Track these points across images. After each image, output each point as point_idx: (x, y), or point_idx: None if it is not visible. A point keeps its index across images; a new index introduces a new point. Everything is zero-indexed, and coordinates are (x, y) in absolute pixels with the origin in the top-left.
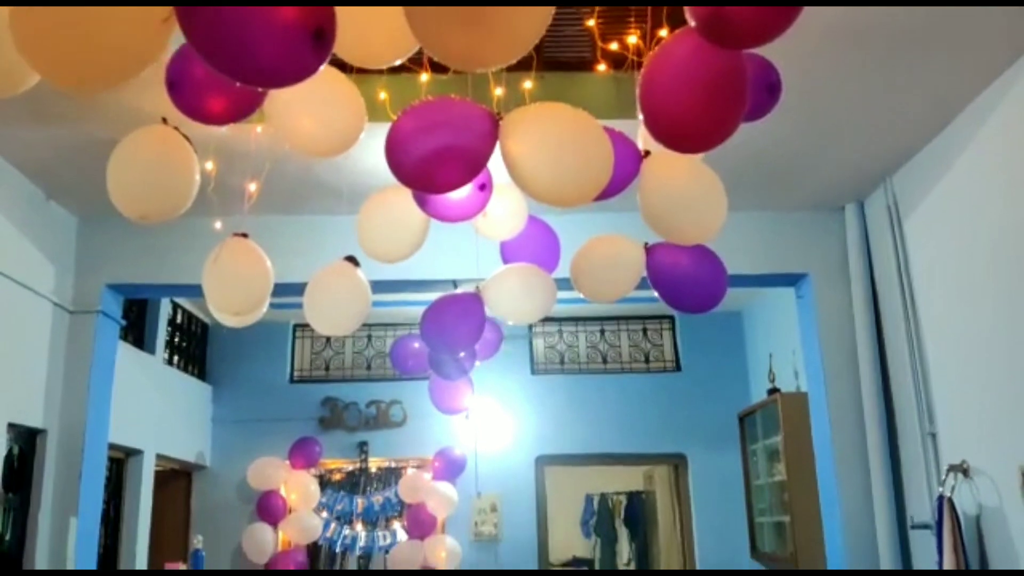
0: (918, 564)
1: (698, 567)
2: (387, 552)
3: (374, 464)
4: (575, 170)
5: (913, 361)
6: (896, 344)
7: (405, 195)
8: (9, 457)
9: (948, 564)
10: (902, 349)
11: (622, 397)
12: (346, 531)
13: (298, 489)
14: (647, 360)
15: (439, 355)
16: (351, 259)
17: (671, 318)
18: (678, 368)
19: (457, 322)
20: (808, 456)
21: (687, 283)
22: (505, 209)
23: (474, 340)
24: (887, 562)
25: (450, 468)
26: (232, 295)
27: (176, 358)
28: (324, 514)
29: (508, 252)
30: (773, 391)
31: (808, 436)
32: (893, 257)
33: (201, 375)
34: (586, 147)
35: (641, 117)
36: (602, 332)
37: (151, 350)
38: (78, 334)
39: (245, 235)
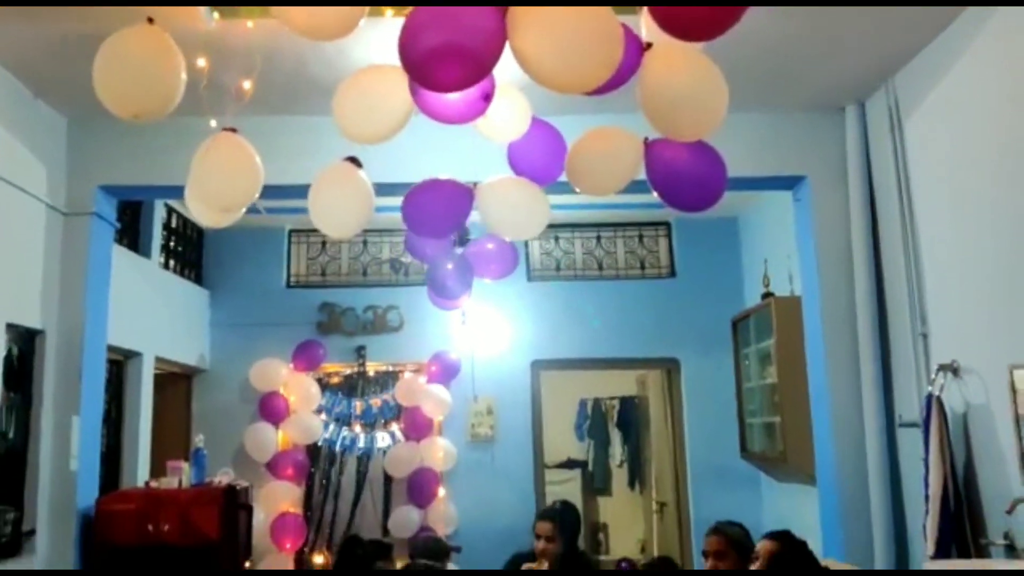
0: (905, 461)
1: (689, 468)
2: (385, 453)
3: (372, 368)
4: (585, 49)
5: (908, 263)
6: (891, 246)
7: (386, 74)
8: (9, 357)
9: (934, 460)
10: (897, 251)
11: (617, 303)
12: (345, 432)
13: (299, 391)
14: (642, 266)
15: (416, 233)
16: (353, 160)
17: (667, 224)
18: (673, 274)
19: (441, 205)
20: (799, 359)
21: (686, 179)
22: (509, 110)
23: (452, 228)
24: (874, 459)
25: (446, 372)
26: (220, 190)
27: (172, 263)
28: (323, 416)
29: (514, 155)
30: (767, 296)
31: (800, 339)
32: (892, 159)
33: (198, 280)
34: (596, 24)
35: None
36: (598, 239)
37: (147, 254)
38: (73, 236)
39: (234, 130)
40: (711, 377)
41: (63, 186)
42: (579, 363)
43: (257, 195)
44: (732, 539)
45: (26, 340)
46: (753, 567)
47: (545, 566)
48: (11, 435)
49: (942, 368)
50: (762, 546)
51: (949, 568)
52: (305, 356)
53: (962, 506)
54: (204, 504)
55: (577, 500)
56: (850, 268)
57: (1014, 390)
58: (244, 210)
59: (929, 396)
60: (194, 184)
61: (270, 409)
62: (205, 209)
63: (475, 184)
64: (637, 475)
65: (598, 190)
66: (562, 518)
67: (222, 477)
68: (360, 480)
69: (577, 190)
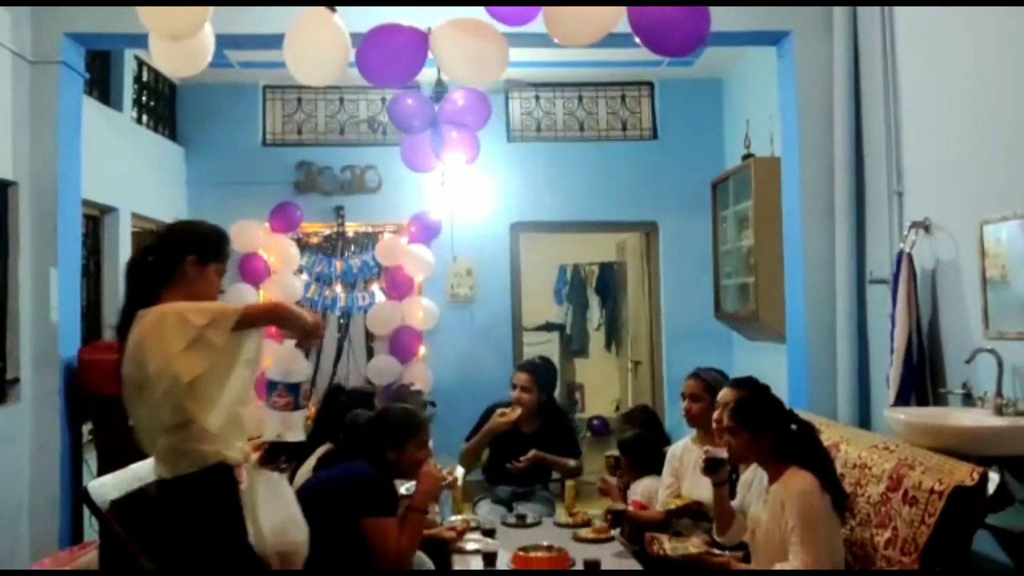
0: (872, 317)
1: (664, 329)
2: (366, 312)
3: (351, 228)
4: None
5: (888, 121)
6: (872, 105)
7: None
8: None
9: (900, 315)
10: (878, 109)
11: (598, 165)
12: (326, 292)
13: (278, 252)
14: (624, 128)
15: (371, 80)
16: (329, 4)
17: (650, 84)
18: (655, 136)
19: (392, 51)
20: (776, 220)
21: (669, 21)
22: None
23: (407, 76)
24: (843, 315)
25: (425, 232)
26: (170, 13)
27: (145, 117)
28: (304, 276)
29: None
30: (747, 157)
31: (778, 201)
32: (878, 14)
33: (172, 136)
34: None
35: None
36: (580, 99)
37: (118, 107)
38: (41, 86)
39: None
40: (689, 240)
41: (28, 33)
42: (559, 226)
43: (206, 20)
44: (709, 383)
45: None
46: (715, 415)
47: (517, 413)
48: None
49: (914, 225)
50: (723, 395)
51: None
52: (282, 217)
53: (924, 358)
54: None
55: (556, 361)
56: (831, 126)
57: (982, 245)
58: (210, 62)
59: (900, 253)
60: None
61: (250, 270)
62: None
63: (429, 29)
64: (613, 337)
65: (576, 39)
66: (539, 371)
67: None
68: (342, 338)
69: (555, 39)
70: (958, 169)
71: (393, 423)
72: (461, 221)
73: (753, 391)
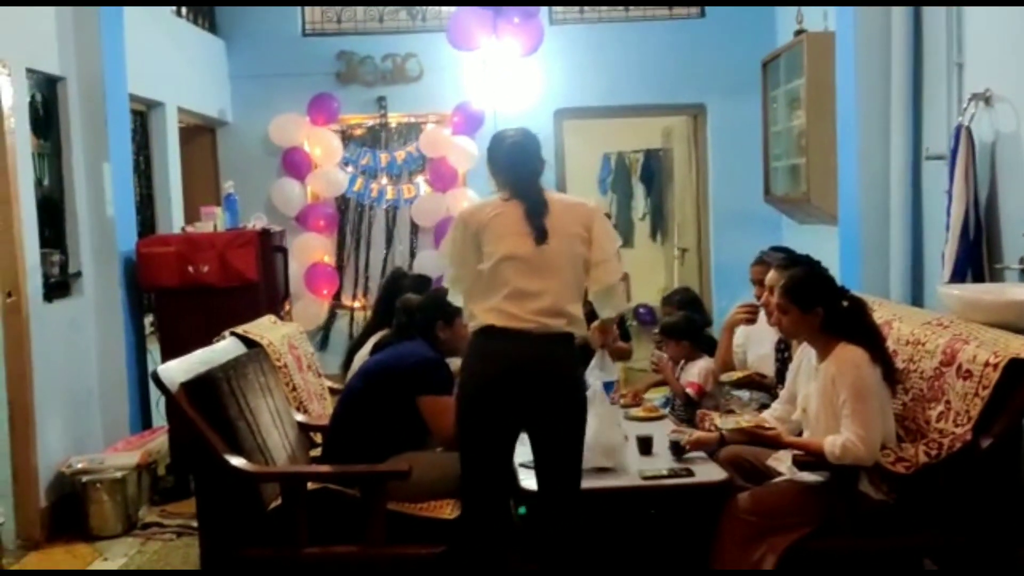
0: (928, 194)
1: (711, 215)
2: (411, 203)
3: (393, 120)
4: None
5: None
6: None
7: None
8: (33, 104)
9: (957, 192)
10: None
11: (644, 46)
12: (372, 185)
13: (321, 144)
14: (670, 5)
15: None
16: None
17: None
18: (702, 14)
19: None
20: (829, 99)
21: None
22: None
23: None
24: (898, 193)
25: (469, 123)
26: None
27: (184, 10)
28: (349, 169)
29: None
30: (799, 33)
31: (831, 78)
32: None
33: (212, 29)
34: None
35: None
36: None
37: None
38: None
39: None
40: (738, 122)
41: None
42: (604, 111)
43: None
44: (778, 267)
45: (47, 87)
46: (763, 298)
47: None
48: (46, 182)
49: (974, 97)
50: (771, 277)
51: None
52: (320, 108)
53: (981, 233)
54: (240, 246)
55: None
56: None
57: None
58: None
59: (959, 127)
60: None
61: (293, 164)
62: None
63: None
64: (659, 226)
65: None
66: None
67: (256, 222)
68: (389, 231)
69: None
70: (1022, 38)
71: (442, 302)
72: (504, 110)
73: (806, 267)
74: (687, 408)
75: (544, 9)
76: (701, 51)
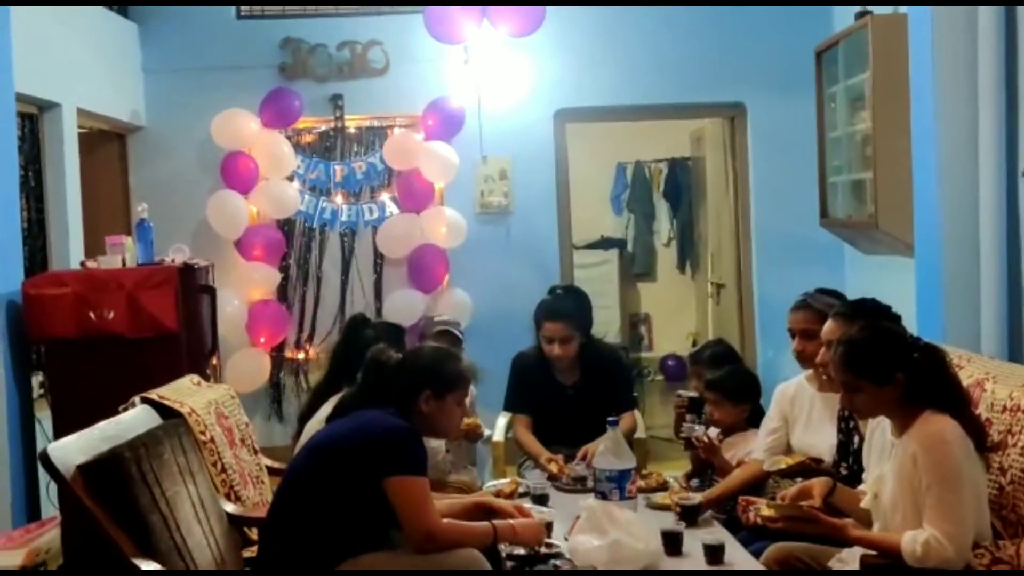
0: None
1: (753, 241)
2: (375, 227)
3: (352, 123)
4: None
5: None
6: None
7: None
8: None
9: None
10: None
11: (666, 29)
12: (324, 203)
13: (268, 152)
14: None
15: None
16: None
17: None
18: None
19: None
20: (901, 97)
21: None
22: None
23: None
24: (989, 218)
25: (447, 125)
26: None
27: None
28: (295, 184)
29: None
30: (863, 15)
31: (903, 71)
32: None
33: (122, 10)
34: None
35: None
36: None
37: None
38: None
39: None
40: (786, 126)
41: None
42: (617, 112)
43: None
44: (824, 314)
45: None
46: (819, 357)
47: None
48: None
49: None
50: (828, 328)
51: None
52: (276, 107)
53: None
54: (156, 285)
55: (613, 287)
56: None
57: None
58: None
59: None
60: None
61: (235, 174)
62: None
63: None
64: (688, 255)
65: None
66: (574, 309)
67: (176, 255)
68: (346, 261)
69: None
70: None
71: (434, 369)
72: (491, 109)
73: (868, 323)
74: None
75: None
76: (738, 35)
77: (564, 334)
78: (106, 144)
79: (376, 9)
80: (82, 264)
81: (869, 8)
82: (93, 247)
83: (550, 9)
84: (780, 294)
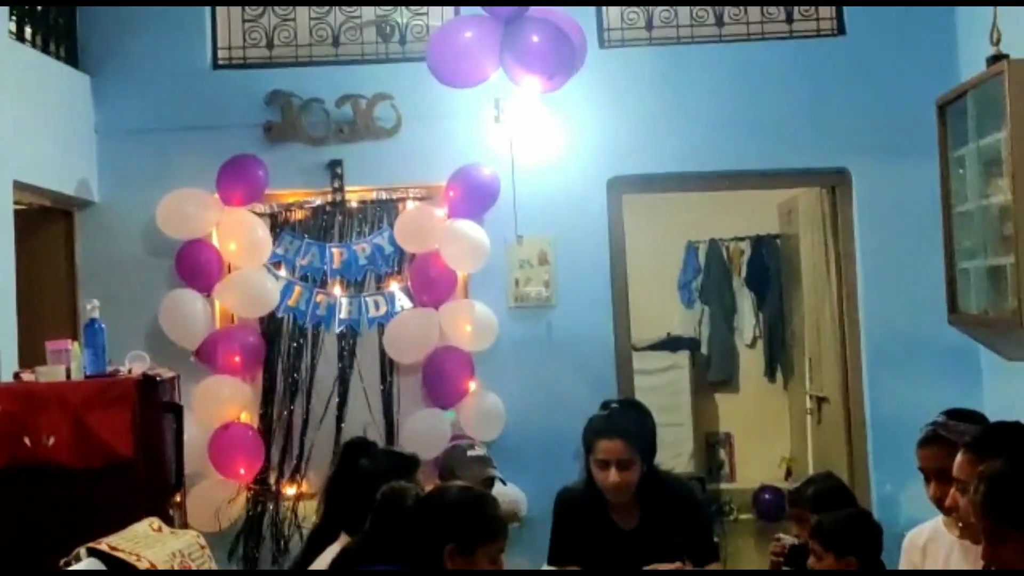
0: None
1: (863, 339)
2: (382, 325)
3: (354, 196)
4: None
5: None
6: None
7: None
8: None
9: None
10: None
11: (747, 80)
12: (318, 296)
13: (238, 235)
14: (789, 19)
15: None
16: None
17: None
18: (840, 30)
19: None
20: None
21: None
22: None
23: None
24: None
25: (473, 198)
26: None
27: (29, 31)
28: (282, 272)
29: None
30: (997, 59)
31: None
32: None
33: (71, 59)
34: None
35: None
36: None
37: None
38: None
39: None
40: (900, 196)
41: None
42: (685, 180)
43: None
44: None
45: None
46: (949, 499)
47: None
48: None
49: None
50: (961, 463)
51: None
52: (237, 179)
53: None
54: (108, 404)
55: (684, 399)
56: None
57: None
58: None
59: None
60: None
61: (194, 267)
62: None
63: None
64: (779, 358)
65: None
66: (635, 429)
67: (133, 364)
68: (345, 369)
69: None
70: None
71: (461, 515)
72: (529, 178)
73: (1015, 455)
74: None
75: (591, 22)
76: (840, 88)
77: (623, 456)
78: (49, 224)
79: (386, 53)
80: (16, 376)
81: (1003, 51)
82: (30, 354)
83: (602, 50)
84: (899, 411)
